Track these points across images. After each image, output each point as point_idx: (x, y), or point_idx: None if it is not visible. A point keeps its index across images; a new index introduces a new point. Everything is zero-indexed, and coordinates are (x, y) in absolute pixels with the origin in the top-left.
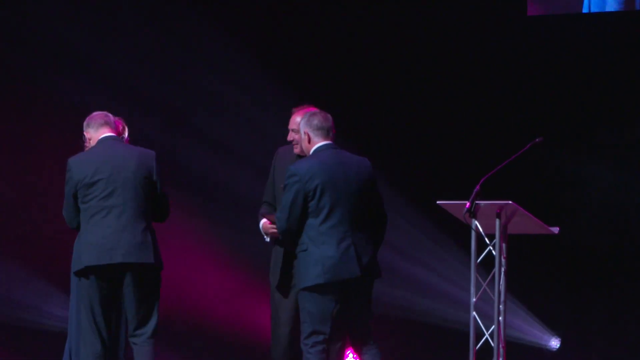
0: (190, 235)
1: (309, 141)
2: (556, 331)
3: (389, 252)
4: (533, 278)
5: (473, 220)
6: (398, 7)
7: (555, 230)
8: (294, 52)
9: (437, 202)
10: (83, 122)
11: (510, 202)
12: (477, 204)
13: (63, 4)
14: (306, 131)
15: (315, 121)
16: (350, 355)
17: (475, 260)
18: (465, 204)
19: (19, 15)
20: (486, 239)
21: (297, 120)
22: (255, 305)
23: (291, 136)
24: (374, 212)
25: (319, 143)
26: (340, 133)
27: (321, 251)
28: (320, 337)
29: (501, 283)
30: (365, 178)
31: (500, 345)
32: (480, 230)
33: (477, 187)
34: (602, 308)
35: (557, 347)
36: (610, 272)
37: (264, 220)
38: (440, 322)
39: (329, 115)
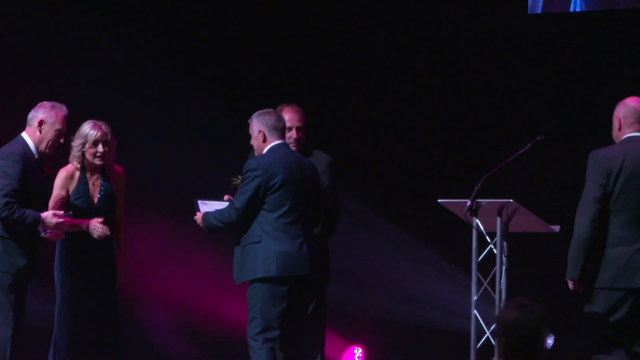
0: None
1: (264, 140)
2: (557, 329)
3: (390, 249)
4: (534, 276)
5: (474, 218)
6: (399, 6)
7: (556, 228)
8: (289, 49)
9: (439, 200)
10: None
11: (511, 200)
12: (478, 202)
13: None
14: (262, 130)
15: (272, 121)
16: (358, 351)
17: (476, 258)
18: (467, 202)
19: None
20: (487, 238)
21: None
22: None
23: (295, 134)
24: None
25: (274, 142)
26: (342, 131)
27: (277, 245)
28: (272, 335)
29: (502, 281)
30: (316, 181)
31: None
32: (481, 228)
33: (478, 185)
34: None
35: (551, 344)
36: None
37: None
38: (441, 321)
39: (282, 116)
